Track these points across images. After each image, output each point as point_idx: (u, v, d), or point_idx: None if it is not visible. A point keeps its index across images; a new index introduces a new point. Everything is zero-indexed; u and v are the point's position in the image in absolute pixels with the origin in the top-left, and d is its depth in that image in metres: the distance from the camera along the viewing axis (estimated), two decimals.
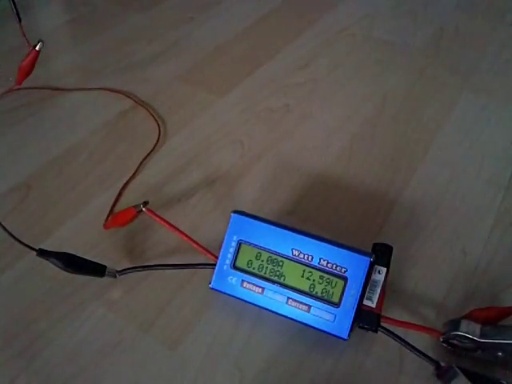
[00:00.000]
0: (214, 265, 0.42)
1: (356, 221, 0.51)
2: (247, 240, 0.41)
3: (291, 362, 0.40)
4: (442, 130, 0.62)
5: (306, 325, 0.40)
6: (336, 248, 0.40)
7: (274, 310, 0.40)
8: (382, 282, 0.39)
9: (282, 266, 0.40)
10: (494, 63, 0.74)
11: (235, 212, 0.42)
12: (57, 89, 0.68)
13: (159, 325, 0.42)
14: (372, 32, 0.82)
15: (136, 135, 0.61)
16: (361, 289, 0.39)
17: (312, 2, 0.90)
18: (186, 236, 0.44)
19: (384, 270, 0.39)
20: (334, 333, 0.39)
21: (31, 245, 0.42)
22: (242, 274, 0.41)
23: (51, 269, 0.42)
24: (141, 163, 0.57)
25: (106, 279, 0.44)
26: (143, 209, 0.45)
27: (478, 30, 0.83)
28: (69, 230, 0.49)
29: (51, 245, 0.48)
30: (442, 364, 0.38)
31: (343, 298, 0.39)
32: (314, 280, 0.40)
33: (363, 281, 0.39)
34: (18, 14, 0.60)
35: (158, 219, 0.45)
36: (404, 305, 0.44)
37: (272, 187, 0.54)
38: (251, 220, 0.42)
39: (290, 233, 0.41)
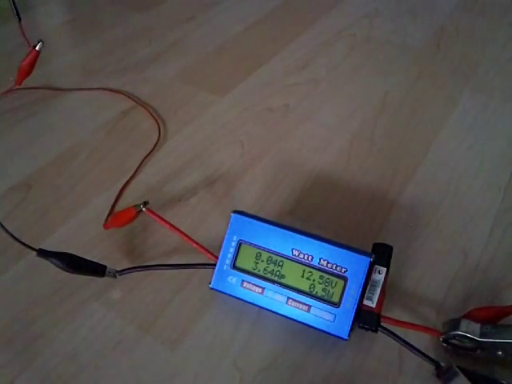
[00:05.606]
0: (214, 265, 0.42)
1: (356, 221, 0.51)
2: (247, 240, 0.41)
3: (291, 362, 0.40)
4: (442, 130, 0.62)
5: (305, 325, 0.40)
6: (336, 248, 0.40)
7: (274, 310, 0.40)
8: (381, 282, 0.39)
9: (282, 266, 0.40)
10: (494, 63, 0.74)
11: (235, 212, 0.42)
12: (57, 89, 0.68)
13: (159, 325, 0.42)
14: (372, 32, 0.82)
15: (136, 135, 0.61)
16: (361, 289, 0.39)
17: (312, 2, 0.90)
18: (186, 236, 0.44)
19: (384, 269, 0.39)
20: (333, 333, 0.39)
21: (31, 245, 0.42)
22: (241, 274, 0.41)
23: (51, 269, 0.42)
24: (141, 163, 0.57)
25: (105, 279, 0.44)
26: (143, 209, 0.46)
27: (478, 30, 0.83)
28: (69, 230, 0.49)
29: (51, 245, 0.48)
30: (442, 364, 0.38)
31: (343, 298, 0.39)
32: (313, 280, 0.40)
33: (363, 281, 0.39)
34: (18, 14, 0.60)
35: (158, 219, 0.45)
36: (404, 305, 0.44)
37: (272, 187, 0.54)
38: (251, 220, 0.42)
39: (290, 233, 0.41)
